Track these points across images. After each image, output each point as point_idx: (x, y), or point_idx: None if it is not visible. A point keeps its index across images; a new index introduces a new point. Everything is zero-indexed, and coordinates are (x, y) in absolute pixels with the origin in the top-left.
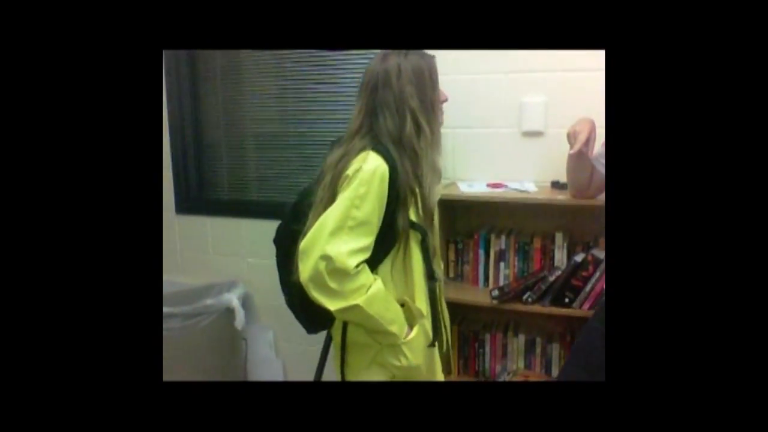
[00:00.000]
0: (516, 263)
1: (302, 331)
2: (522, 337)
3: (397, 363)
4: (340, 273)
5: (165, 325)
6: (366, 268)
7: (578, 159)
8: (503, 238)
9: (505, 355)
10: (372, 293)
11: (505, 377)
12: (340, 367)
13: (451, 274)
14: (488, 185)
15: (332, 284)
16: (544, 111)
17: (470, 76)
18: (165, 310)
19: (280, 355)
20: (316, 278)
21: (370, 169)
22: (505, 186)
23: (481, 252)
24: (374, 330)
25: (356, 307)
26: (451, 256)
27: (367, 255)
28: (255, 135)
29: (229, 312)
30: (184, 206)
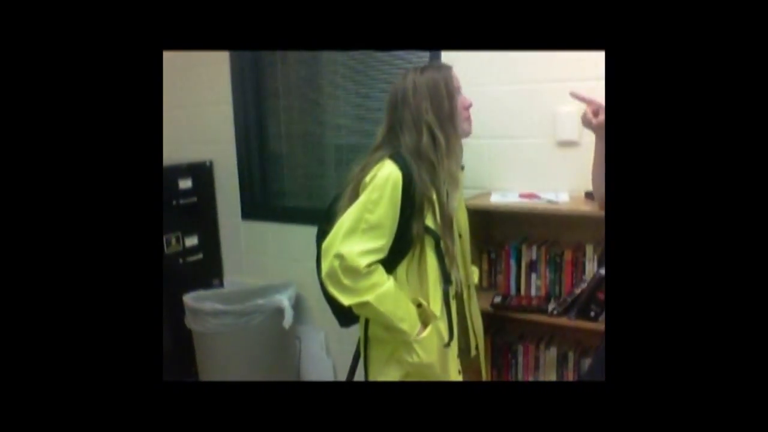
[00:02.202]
0: (547, 274)
1: (352, 332)
2: (554, 350)
3: (410, 359)
4: (352, 271)
5: (218, 322)
6: (379, 268)
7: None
8: (534, 248)
9: (537, 367)
10: (382, 292)
11: None
12: (364, 360)
13: (485, 284)
14: (521, 195)
15: (345, 281)
16: (579, 120)
17: (504, 86)
18: (219, 307)
19: (330, 354)
20: (332, 274)
21: (383, 175)
22: (538, 196)
23: (513, 262)
24: (387, 326)
25: (367, 303)
26: (485, 266)
27: (379, 256)
28: (313, 147)
29: (280, 312)
30: (249, 212)
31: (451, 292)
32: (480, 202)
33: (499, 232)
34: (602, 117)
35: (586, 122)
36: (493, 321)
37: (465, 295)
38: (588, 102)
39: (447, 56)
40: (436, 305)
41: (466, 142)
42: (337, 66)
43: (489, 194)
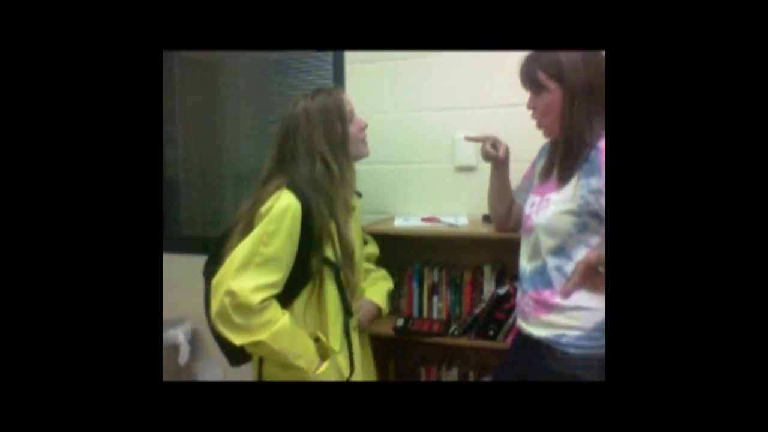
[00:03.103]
0: (448, 296)
1: (251, 368)
2: (455, 371)
3: None
4: (245, 308)
5: None
6: (274, 303)
7: (500, 187)
8: (436, 271)
9: None
10: (277, 329)
11: None
12: None
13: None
14: (423, 219)
15: (237, 319)
16: (476, 146)
17: (405, 114)
18: None
19: None
20: (222, 313)
21: (281, 207)
22: (439, 220)
23: (415, 285)
24: (283, 364)
25: (261, 342)
26: None
27: (275, 291)
28: (211, 173)
29: (175, 348)
30: None
31: (352, 324)
32: (383, 227)
33: (402, 255)
34: (502, 148)
35: (489, 156)
36: (395, 345)
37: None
38: (483, 139)
39: (349, 73)
40: (335, 339)
41: (369, 168)
42: (238, 89)
43: (392, 219)
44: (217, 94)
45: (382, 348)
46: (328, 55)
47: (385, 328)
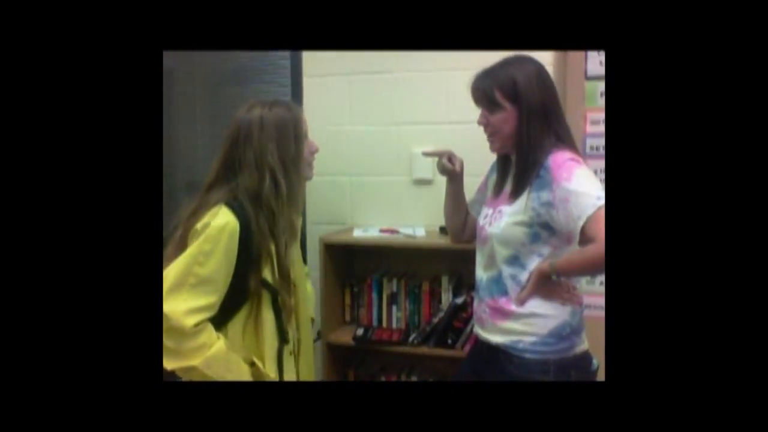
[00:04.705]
0: (407, 306)
1: None
2: (415, 380)
3: None
4: (177, 332)
5: None
6: (208, 327)
7: (455, 199)
8: (395, 281)
9: None
10: (212, 354)
11: None
12: None
13: (348, 318)
14: (381, 230)
15: (169, 343)
16: (432, 160)
17: (365, 127)
18: None
19: None
20: None
21: (218, 225)
22: (397, 231)
23: (375, 295)
24: None
25: (194, 368)
26: (348, 300)
27: (209, 314)
28: (165, 183)
29: None
30: None
31: (287, 350)
32: (343, 237)
33: (361, 266)
34: (458, 162)
35: (445, 170)
36: (355, 354)
37: (294, 351)
38: (439, 154)
39: (307, 86)
40: (271, 365)
41: (328, 180)
42: (194, 98)
43: (351, 230)
44: (172, 103)
45: (341, 358)
46: (286, 67)
47: (345, 338)
